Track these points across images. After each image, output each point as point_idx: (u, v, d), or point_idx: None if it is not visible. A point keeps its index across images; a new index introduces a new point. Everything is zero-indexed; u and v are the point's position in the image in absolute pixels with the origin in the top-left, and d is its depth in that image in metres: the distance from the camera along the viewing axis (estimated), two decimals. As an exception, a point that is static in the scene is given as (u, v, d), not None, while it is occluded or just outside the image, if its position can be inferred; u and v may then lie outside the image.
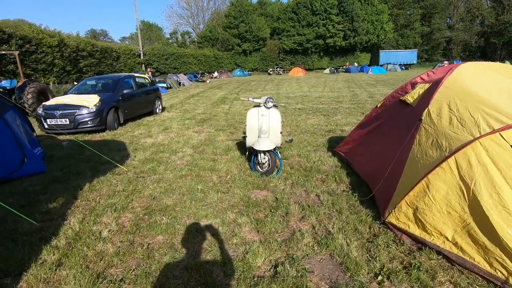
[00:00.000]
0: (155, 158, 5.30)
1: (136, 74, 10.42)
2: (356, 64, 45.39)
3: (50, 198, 3.73)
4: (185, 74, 31.00)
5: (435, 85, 3.13)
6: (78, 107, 7.43)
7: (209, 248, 2.58)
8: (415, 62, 48.23)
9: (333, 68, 42.59)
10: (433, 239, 2.34)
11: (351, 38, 46.35)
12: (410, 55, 48.01)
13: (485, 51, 53.13)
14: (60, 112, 7.36)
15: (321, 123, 7.92)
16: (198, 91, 20.54)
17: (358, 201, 3.32)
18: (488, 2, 53.86)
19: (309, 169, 4.42)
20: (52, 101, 7.97)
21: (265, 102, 4.40)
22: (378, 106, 4.31)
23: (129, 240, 2.74)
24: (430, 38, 52.96)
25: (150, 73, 26.95)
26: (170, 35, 57.35)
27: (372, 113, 4.36)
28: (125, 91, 8.73)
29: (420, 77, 3.74)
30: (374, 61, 48.36)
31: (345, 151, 4.63)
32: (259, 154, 4.31)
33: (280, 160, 4.35)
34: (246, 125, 4.54)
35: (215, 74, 37.95)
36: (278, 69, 45.46)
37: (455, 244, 2.21)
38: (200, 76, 34.13)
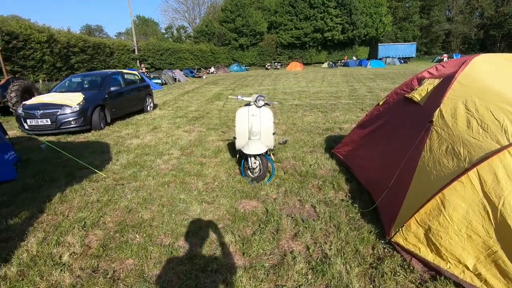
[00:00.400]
0: (138, 162, 4.89)
1: (125, 71, 9.94)
2: (354, 58, 44.83)
3: (14, 211, 3.32)
4: (181, 70, 30.43)
5: (447, 80, 2.72)
6: (60, 106, 6.98)
7: (184, 277, 2.19)
8: (414, 55, 47.66)
9: (331, 62, 42.00)
10: (449, 267, 1.96)
11: (350, 31, 45.68)
12: (409, 48, 47.42)
13: (484, 43, 52.58)
14: (41, 112, 6.91)
15: (318, 121, 7.51)
16: (194, 87, 20.05)
17: (359, 214, 2.93)
18: (488, -7, 53.10)
19: (305, 174, 4.02)
20: (33, 100, 7.51)
21: (256, 101, 3.99)
22: (380, 103, 3.90)
23: (92, 266, 2.35)
24: (429, 31, 52.30)
25: (144, 69, 26.39)
26: (166, 30, 56.48)
27: (374, 112, 3.96)
28: (112, 89, 8.27)
29: (428, 71, 3.33)
30: (373, 55, 47.78)
31: (344, 153, 4.23)
32: (249, 158, 3.91)
33: (273, 164, 3.95)
34: (235, 126, 4.13)
35: (212, 69, 37.33)
36: (275, 63, 44.84)
37: (478, 275, 1.83)
38: (196, 71, 33.53)
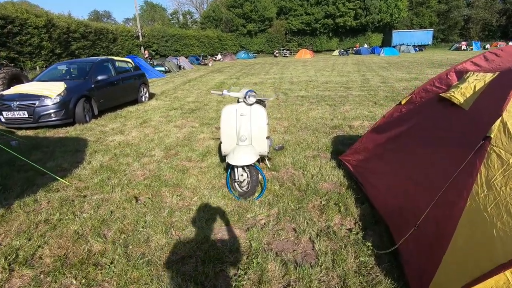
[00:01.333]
0: (112, 166, 4.20)
1: (116, 58, 9.20)
2: (366, 46, 42.97)
3: None
4: (186, 57, 29.53)
5: (508, 76, 1.88)
6: (38, 97, 6.32)
7: None
8: (430, 42, 45.45)
9: (342, 50, 40.39)
10: None
11: (363, 17, 43.65)
12: (425, 36, 45.19)
13: (506, 30, 49.65)
14: (18, 103, 6.26)
15: (325, 116, 6.66)
16: (198, 75, 19.26)
17: (373, 257, 2.17)
18: (513, -24, 49.63)
19: (305, 189, 3.26)
20: (11, 90, 6.87)
21: (245, 97, 3.20)
22: (402, 102, 3.06)
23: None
24: (447, 16, 49.60)
25: (147, 55, 25.61)
26: (171, 16, 55.20)
27: (394, 113, 3.12)
28: (100, 78, 7.55)
29: (472, 61, 2.47)
30: (386, 42, 45.76)
31: (354, 163, 3.43)
32: (235, 169, 3.16)
33: (264, 177, 3.19)
34: (219, 128, 3.37)
35: (219, 56, 36.28)
36: (284, 51, 43.43)
37: None
38: (202, 59, 32.58)
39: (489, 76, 2.07)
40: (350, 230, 2.53)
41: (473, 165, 1.68)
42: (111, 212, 2.97)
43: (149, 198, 3.22)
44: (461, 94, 2.19)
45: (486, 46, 40.25)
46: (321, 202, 2.98)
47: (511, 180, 1.45)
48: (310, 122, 6.24)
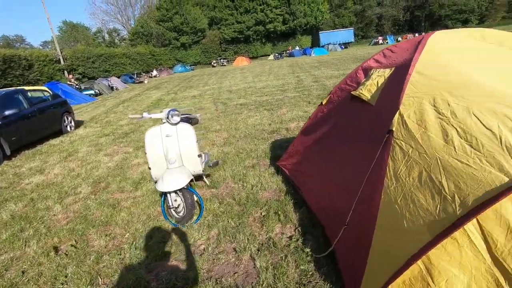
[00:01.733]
0: (27, 214, 3.62)
1: (27, 88, 8.17)
2: (298, 48, 45.38)
3: None
4: (118, 77, 27.76)
5: (402, 71, 2.03)
6: None
7: None
8: (352, 40, 49.79)
9: (277, 54, 42.01)
10: None
11: (291, 21, 46.08)
12: (347, 34, 49.36)
13: (411, 24, 56.84)
14: None
15: (264, 122, 6.73)
16: (133, 94, 18.21)
17: (313, 262, 2.15)
18: (409, -23, 57.22)
19: (245, 202, 3.17)
20: None
21: (168, 117, 3.02)
22: (323, 102, 3.17)
23: None
24: (363, 15, 54.96)
25: (72, 80, 23.49)
26: (95, 34, 51.62)
27: (318, 114, 3.22)
28: (8, 113, 6.59)
29: (374, 59, 2.65)
30: (316, 43, 48.88)
31: (290, 167, 3.46)
32: (168, 195, 2.94)
33: (200, 198, 3.02)
34: (146, 153, 3.12)
35: (154, 72, 34.86)
36: (221, 60, 43.60)
37: None
38: (137, 77, 30.97)
39: (387, 72, 2.23)
40: (290, 237, 2.50)
41: (383, 159, 1.75)
42: (23, 272, 2.52)
43: (71, 246, 2.81)
44: (367, 90, 2.32)
45: (398, 39, 45.50)
46: (261, 214, 2.92)
47: (413, 170, 1.53)
48: (249, 129, 6.24)
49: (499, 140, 1.23)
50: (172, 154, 3.01)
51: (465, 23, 52.76)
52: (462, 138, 1.36)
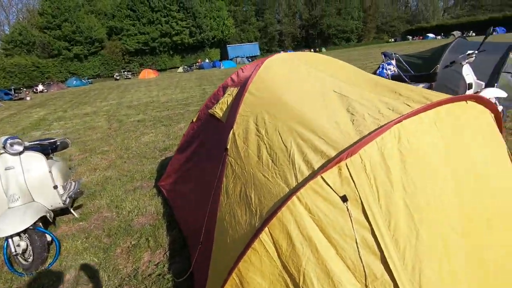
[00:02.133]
0: None
1: None
2: (207, 60, 45.90)
3: None
4: (-13, 93, 22.72)
5: (241, 90, 2.19)
6: None
7: None
8: (258, 53, 53.13)
9: (186, 66, 41.51)
10: None
11: (198, 34, 46.32)
12: (253, 48, 52.46)
13: (307, 40, 64.31)
14: None
15: (158, 139, 6.44)
16: (8, 114, 15.11)
17: (174, 288, 2.08)
18: (302, 0, 64.87)
19: (115, 232, 2.90)
20: None
21: (5, 146, 2.55)
22: (194, 120, 3.20)
23: None
24: (266, 31, 59.46)
25: None
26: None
27: (190, 131, 3.22)
28: None
29: (231, 77, 2.80)
30: (224, 56, 50.28)
31: (168, 187, 3.35)
32: (9, 240, 2.45)
33: (54, 237, 2.62)
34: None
35: (40, 87, 29.88)
36: (126, 73, 40.53)
37: None
38: (15, 92, 25.96)
39: (235, 91, 2.37)
40: (157, 264, 2.38)
41: (220, 177, 1.82)
42: None
43: None
44: (220, 109, 2.42)
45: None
46: (131, 243, 2.71)
47: (237, 186, 1.63)
48: (141, 148, 5.86)
49: (289, 154, 1.41)
50: (14, 190, 2.54)
51: (347, 41, 62.62)
52: (268, 154, 1.52)
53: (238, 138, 1.79)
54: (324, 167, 1.21)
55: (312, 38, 63.32)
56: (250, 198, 1.45)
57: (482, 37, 4.64)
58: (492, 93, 4.16)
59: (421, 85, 4.71)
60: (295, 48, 59.80)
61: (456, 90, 4.52)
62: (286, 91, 1.87)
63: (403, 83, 1.96)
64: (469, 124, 1.41)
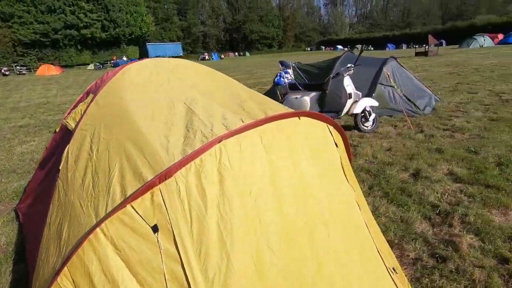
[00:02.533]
0: None
1: None
2: (124, 58, 42.28)
3: None
4: None
5: (93, 98, 1.91)
6: None
7: None
8: (181, 54, 51.45)
9: (98, 64, 37.40)
10: None
11: (111, 29, 42.30)
12: (176, 48, 50.58)
13: (232, 44, 65.18)
14: None
15: (39, 149, 5.48)
16: None
17: None
18: (225, 4, 65.46)
19: None
20: None
21: None
22: (57, 130, 2.74)
23: None
24: (189, 32, 58.06)
25: None
26: None
27: (52, 143, 2.75)
28: None
29: (96, 81, 2.48)
30: (144, 54, 47.14)
31: (24, 210, 2.79)
32: None
33: None
34: None
35: None
36: (19, 67, 34.26)
37: None
38: None
39: (90, 98, 2.07)
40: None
41: (48, 204, 1.53)
42: None
43: None
44: (72, 119, 2.08)
45: (222, 56, 50.88)
46: (-44, 289, 2.13)
47: (58, 216, 1.37)
48: (13, 161, 4.88)
49: (109, 178, 1.23)
50: None
51: (269, 47, 65.79)
52: (92, 177, 1.31)
53: (70, 157, 1.53)
54: (135, 193, 1.06)
55: (236, 41, 64.48)
56: (62, 233, 1.21)
57: (379, 51, 5.26)
58: (367, 103, 4.76)
59: (313, 93, 5.09)
60: (220, 51, 59.96)
61: (341, 97, 5.00)
62: (134, 101, 1.68)
63: (263, 96, 1.98)
64: (300, 139, 1.46)
